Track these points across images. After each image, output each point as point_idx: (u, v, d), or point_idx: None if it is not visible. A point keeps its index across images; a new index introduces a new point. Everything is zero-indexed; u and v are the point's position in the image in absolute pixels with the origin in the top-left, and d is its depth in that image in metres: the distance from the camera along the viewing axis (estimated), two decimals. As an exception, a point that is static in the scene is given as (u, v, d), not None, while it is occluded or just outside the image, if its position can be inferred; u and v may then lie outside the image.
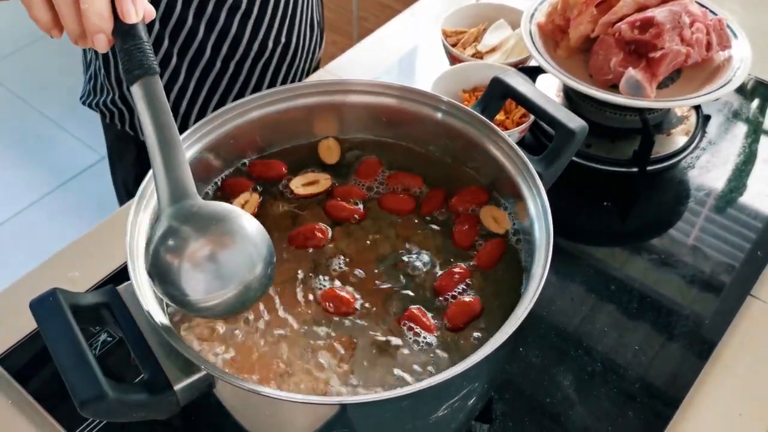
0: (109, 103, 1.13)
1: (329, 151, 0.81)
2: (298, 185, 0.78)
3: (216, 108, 1.03)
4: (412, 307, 0.68)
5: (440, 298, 0.69)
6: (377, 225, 0.76)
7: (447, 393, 0.60)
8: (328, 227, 0.75)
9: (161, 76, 1.03)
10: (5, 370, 0.79)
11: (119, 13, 0.59)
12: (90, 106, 1.17)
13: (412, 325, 0.67)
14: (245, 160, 0.80)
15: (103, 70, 1.11)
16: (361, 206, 0.77)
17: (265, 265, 0.60)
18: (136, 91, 0.60)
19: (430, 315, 0.68)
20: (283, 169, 0.80)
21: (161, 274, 0.58)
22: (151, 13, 0.61)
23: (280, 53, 1.11)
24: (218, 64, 1.07)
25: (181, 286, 0.58)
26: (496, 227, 0.75)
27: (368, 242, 0.74)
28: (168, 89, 1.06)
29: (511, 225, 0.74)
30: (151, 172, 0.65)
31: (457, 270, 0.71)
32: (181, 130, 0.68)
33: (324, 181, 0.79)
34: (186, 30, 1.02)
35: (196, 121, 1.06)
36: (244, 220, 0.61)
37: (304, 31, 1.15)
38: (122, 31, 0.59)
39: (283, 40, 1.11)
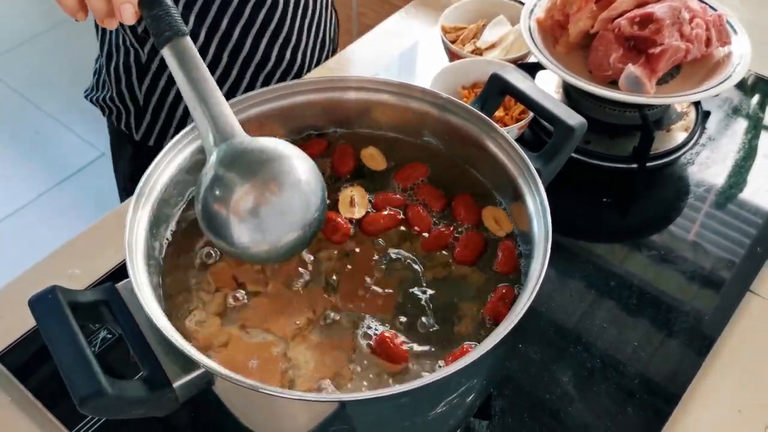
0: (108, 100, 1.13)
1: (373, 159, 0.80)
2: (347, 206, 0.76)
3: None
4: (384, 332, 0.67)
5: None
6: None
7: (446, 390, 0.60)
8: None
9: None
10: (5, 367, 0.79)
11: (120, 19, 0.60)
12: (91, 100, 1.17)
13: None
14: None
15: (104, 66, 1.11)
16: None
17: (317, 207, 0.61)
18: (167, 54, 0.61)
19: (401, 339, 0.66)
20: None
21: (212, 226, 0.60)
22: None
23: (285, 68, 1.12)
24: (232, 77, 1.06)
25: (233, 237, 0.59)
26: (497, 229, 0.74)
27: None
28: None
29: (513, 226, 0.74)
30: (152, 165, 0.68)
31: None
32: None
33: (357, 192, 0.77)
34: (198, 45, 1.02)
35: None
36: (295, 160, 0.60)
37: (315, 48, 1.16)
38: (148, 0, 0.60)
39: (298, 59, 1.11)
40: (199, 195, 0.60)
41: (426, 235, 0.74)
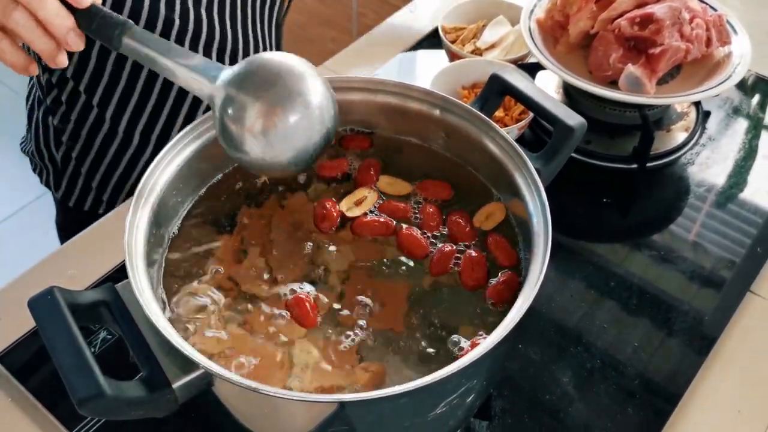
0: (33, 153, 1.11)
1: (393, 186, 0.78)
2: (351, 206, 0.76)
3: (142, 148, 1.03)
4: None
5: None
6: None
7: (445, 391, 0.60)
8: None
9: (83, 125, 1.01)
10: (5, 368, 0.79)
11: (72, 3, 0.62)
12: (24, 151, 1.15)
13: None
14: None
15: (27, 120, 1.10)
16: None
17: (325, 125, 0.64)
18: (127, 45, 0.63)
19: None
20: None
21: (230, 143, 0.64)
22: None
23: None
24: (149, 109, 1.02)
25: (248, 152, 0.63)
26: (496, 219, 0.74)
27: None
28: (93, 136, 1.03)
29: (506, 213, 0.74)
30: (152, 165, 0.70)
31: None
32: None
33: (370, 194, 0.77)
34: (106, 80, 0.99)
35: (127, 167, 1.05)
36: (301, 76, 0.64)
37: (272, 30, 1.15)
38: (84, 17, 0.62)
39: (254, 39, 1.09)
40: (216, 116, 0.64)
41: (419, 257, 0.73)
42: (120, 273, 0.86)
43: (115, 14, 0.63)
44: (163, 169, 0.70)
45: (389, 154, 0.81)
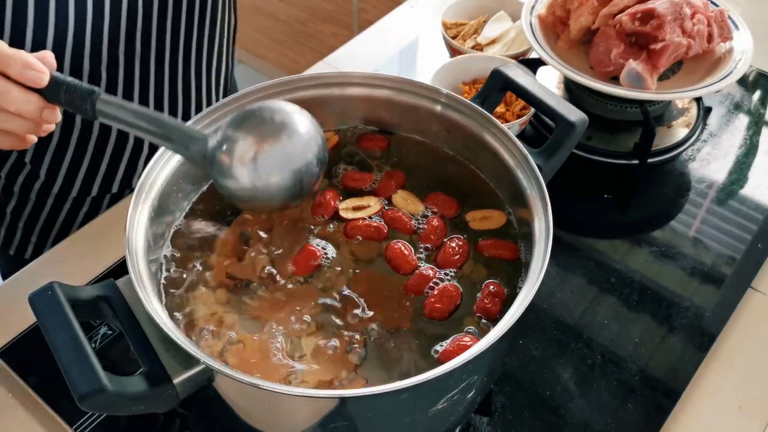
0: None
1: (407, 202, 0.77)
2: (348, 208, 0.76)
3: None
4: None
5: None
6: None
7: (446, 386, 0.60)
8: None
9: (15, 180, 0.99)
10: (6, 363, 0.79)
11: (31, 85, 0.62)
12: None
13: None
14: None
15: None
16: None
17: (314, 152, 0.65)
18: (102, 112, 0.62)
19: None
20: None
21: (221, 173, 0.64)
22: (46, 59, 0.64)
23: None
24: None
25: (238, 182, 0.64)
26: (493, 223, 0.74)
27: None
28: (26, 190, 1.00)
29: (506, 217, 0.74)
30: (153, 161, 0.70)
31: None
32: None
33: (374, 205, 0.76)
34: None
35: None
36: (293, 114, 0.65)
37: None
38: (50, 92, 0.63)
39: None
40: (210, 157, 0.64)
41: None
42: (121, 268, 0.86)
43: (78, 83, 0.63)
44: (164, 165, 0.70)
45: (402, 156, 0.81)
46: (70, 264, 0.89)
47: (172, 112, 1.00)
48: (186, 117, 1.02)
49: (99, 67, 0.89)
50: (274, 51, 2.66)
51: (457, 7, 1.19)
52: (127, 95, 0.93)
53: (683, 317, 0.86)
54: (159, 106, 0.98)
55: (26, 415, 0.76)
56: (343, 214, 0.75)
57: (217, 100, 1.06)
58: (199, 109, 1.03)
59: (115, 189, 1.01)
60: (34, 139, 0.68)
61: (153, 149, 0.86)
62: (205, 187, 0.77)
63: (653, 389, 0.79)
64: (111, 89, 0.91)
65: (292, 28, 2.53)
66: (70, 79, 0.63)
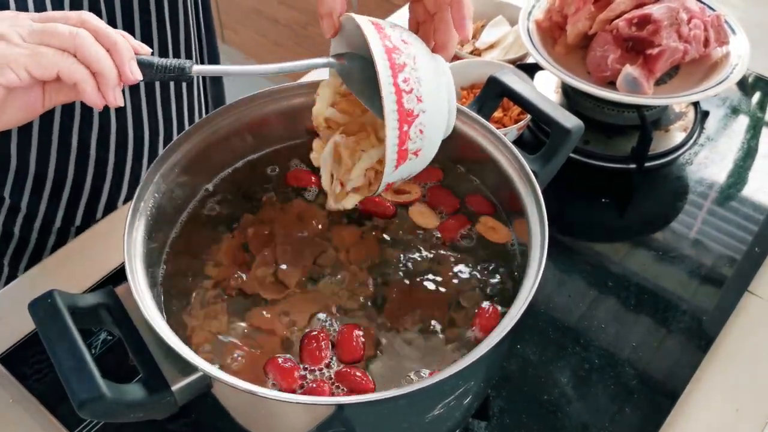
0: None
1: (423, 216, 0.77)
2: (388, 191, 0.77)
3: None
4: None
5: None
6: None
7: (442, 393, 0.60)
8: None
9: None
10: (6, 369, 0.80)
11: (128, 78, 0.58)
12: None
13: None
14: (242, 162, 0.81)
15: None
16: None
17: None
18: (196, 73, 0.60)
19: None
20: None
21: None
22: (139, 48, 0.60)
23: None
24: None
25: None
26: (496, 237, 0.75)
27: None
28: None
29: (512, 236, 0.74)
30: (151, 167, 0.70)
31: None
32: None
33: (414, 192, 0.78)
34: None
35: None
36: None
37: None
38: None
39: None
40: None
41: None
42: (119, 275, 0.86)
43: (174, 60, 0.60)
44: (162, 172, 0.71)
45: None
46: (68, 270, 0.89)
47: (153, 131, 0.98)
48: (168, 137, 1.01)
49: None
50: (275, 54, 2.67)
51: (455, 11, 1.20)
52: (105, 122, 0.91)
53: (680, 321, 0.86)
54: (139, 130, 0.96)
55: (27, 421, 0.77)
56: (384, 195, 0.77)
57: (200, 115, 1.06)
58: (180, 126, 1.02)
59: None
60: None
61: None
62: (203, 194, 0.77)
63: (651, 392, 0.79)
64: (86, 115, 0.89)
65: (293, 31, 2.53)
66: (159, 60, 0.60)
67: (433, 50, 0.70)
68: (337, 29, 0.66)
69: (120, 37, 0.58)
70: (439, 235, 0.75)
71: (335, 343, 0.66)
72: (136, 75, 0.58)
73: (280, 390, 0.62)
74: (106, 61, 0.57)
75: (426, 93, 0.60)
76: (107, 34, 0.58)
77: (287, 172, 0.81)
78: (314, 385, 0.63)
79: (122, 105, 0.60)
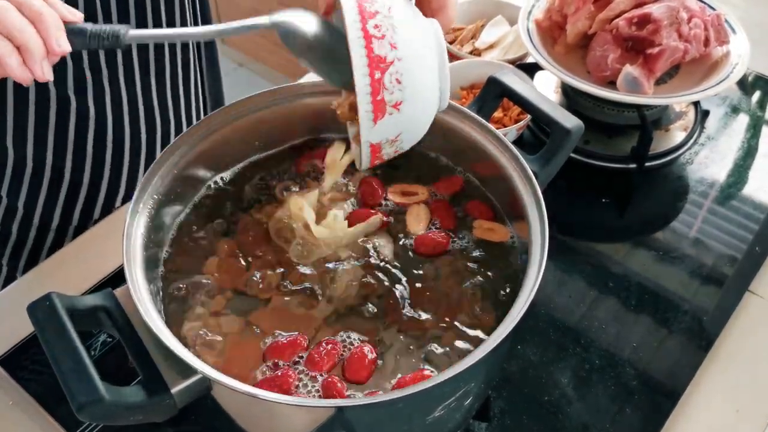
0: None
1: (418, 219, 0.77)
2: (397, 192, 0.78)
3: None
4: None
5: None
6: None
7: (443, 394, 0.60)
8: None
9: None
10: (6, 371, 0.80)
11: (55, 51, 0.56)
12: None
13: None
14: (241, 164, 0.80)
15: None
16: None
17: None
18: (132, 39, 0.58)
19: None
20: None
21: None
22: (69, 16, 0.58)
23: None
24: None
25: None
26: (495, 237, 0.74)
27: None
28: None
29: (510, 234, 0.74)
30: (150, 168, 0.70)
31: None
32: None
33: (422, 193, 0.78)
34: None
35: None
36: None
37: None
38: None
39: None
40: None
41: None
42: (118, 277, 0.86)
43: (106, 26, 0.58)
44: (161, 174, 0.71)
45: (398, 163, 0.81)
46: (67, 273, 0.89)
47: (150, 131, 0.98)
48: (166, 137, 1.01)
49: (66, 91, 0.87)
50: (276, 54, 2.66)
51: (454, 11, 1.19)
52: (102, 119, 0.91)
53: (681, 321, 0.86)
54: (135, 124, 0.95)
55: (26, 423, 0.77)
56: (391, 197, 0.77)
57: (198, 115, 1.06)
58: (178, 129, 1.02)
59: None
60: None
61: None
62: (201, 196, 0.77)
63: (651, 393, 0.79)
64: (82, 112, 0.89)
65: (292, 32, 2.52)
66: (92, 26, 0.58)
67: (431, 15, 0.68)
68: (331, 5, 0.64)
69: (46, 7, 0.56)
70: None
71: (345, 360, 0.65)
72: (63, 47, 0.56)
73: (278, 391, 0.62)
74: (30, 34, 0.55)
75: (402, 41, 0.57)
76: (31, 4, 0.56)
77: (299, 162, 0.81)
78: (279, 373, 0.63)
79: (51, 79, 0.58)
